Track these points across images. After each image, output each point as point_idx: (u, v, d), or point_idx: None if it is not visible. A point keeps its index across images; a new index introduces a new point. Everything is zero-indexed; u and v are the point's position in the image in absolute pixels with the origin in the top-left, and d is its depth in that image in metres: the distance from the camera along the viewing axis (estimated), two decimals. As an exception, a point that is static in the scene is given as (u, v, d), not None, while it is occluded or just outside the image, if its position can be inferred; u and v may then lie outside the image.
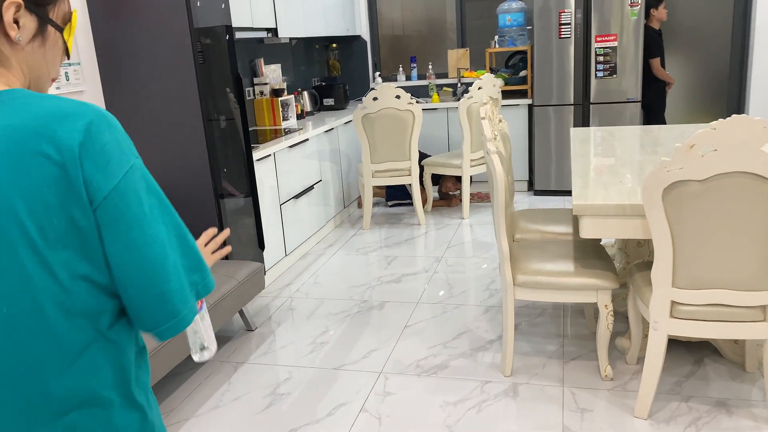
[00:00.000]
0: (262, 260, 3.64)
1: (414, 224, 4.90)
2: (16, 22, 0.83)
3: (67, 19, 0.91)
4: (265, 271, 3.71)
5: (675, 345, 2.74)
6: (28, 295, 0.79)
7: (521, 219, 3.16)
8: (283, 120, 4.82)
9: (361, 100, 6.24)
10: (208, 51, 3.20)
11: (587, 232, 2.33)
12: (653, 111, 5.34)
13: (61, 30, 0.89)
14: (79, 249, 0.80)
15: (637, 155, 2.94)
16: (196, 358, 1.17)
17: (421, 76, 6.19)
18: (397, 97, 4.56)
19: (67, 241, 0.79)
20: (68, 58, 0.93)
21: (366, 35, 6.23)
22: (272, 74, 4.83)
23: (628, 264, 3.22)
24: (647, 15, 5.06)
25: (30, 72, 0.87)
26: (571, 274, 2.47)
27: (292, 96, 4.92)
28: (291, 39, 5.20)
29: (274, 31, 4.37)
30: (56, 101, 0.80)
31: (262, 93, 4.74)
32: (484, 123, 2.47)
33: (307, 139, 4.33)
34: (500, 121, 3.26)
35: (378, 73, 6.24)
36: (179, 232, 0.87)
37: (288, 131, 4.46)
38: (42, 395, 0.81)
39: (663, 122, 5.48)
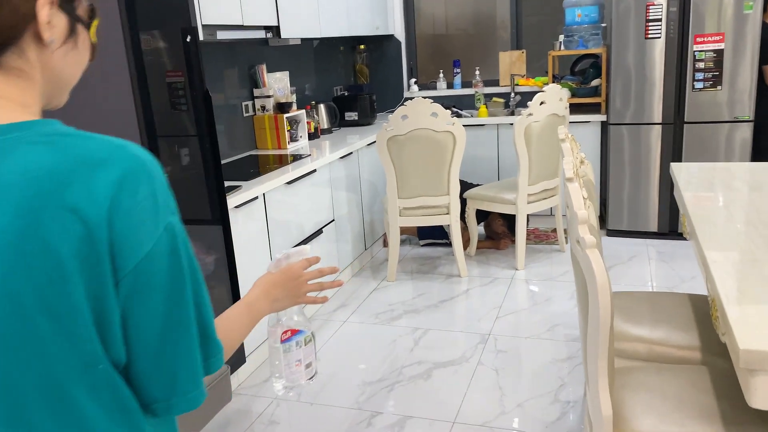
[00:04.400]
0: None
1: (453, 275, 3.85)
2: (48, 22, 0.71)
3: (91, 14, 0.78)
4: (239, 369, 2.73)
5: None
6: (48, 375, 0.67)
7: (618, 313, 2.08)
8: (291, 141, 3.84)
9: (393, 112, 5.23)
10: (161, 60, 2.24)
11: (764, 399, 1.26)
12: (764, 132, 4.16)
13: (88, 27, 0.78)
14: (95, 323, 0.68)
15: (807, 226, 1.83)
16: (275, 387, 1.16)
17: (466, 84, 5.13)
18: (434, 114, 3.52)
19: (83, 313, 0.66)
20: (93, 60, 0.81)
21: (401, 35, 5.21)
22: (277, 84, 3.85)
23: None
24: (765, 8, 3.88)
25: (55, 82, 0.76)
26: (724, 459, 1.40)
27: (303, 111, 3.94)
28: (304, 40, 4.23)
29: (275, 30, 3.40)
30: (88, 141, 0.68)
31: (263, 108, 3.77)
32: (572, 188, 1.42)
33: (315, 170, 3.34)
34: (582, 162, 2.20)
35: (414, 80, 5.21)
36: (200, 300, 0.76)
37: (297, 156, 3.48)
38: None
39: (776, 146, 4.28)
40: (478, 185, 4.26)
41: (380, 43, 5.23)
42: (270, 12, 3.29)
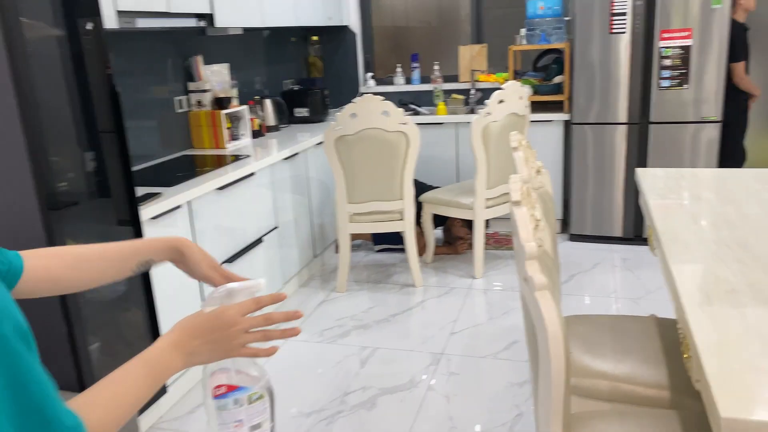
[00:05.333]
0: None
1: (408, 285, 3.60)
2: None
3: None
4: (159, 399, 2.42)
5: None
6: None
7: (573, 341, 1.85)
8: (232, 140, 3.53)
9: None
10: (56, 51, 1.92)
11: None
12: (731, 132, 3.99)
13: None
14: None
15: (787, 247, 1.62)
16: None
17: (425, 79, 4.87)
18: (385, 113, 3.25)
19: None
20: None
21: (356, 26, 4.92)
22: (215, 77, 3.53)
23: None
24: (733, 4, 3.70)
25: None
26: None
27: (246, 107, 3.63)
28: (249, 30, 3.90)
29: (209, 19, 3.08)
30: None
31: (200, 103, 3.45)
32: (519, 214, 1.17)
33: (253, 173, 3.04)
34: (539, 171, 1.96)
35: (371, 74, 4.93)
36: (24, 378, 0.59)
37: (237, 157, 3.18)
38: None
39: (742, 148, 4.13)
40: (436, 188, 4.01)
41: (335, 35, 4.93)
42: (202, -2, 2.97)
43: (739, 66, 3.85)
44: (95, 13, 2.03)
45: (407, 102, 4.60)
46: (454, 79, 4.79)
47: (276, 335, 0.87)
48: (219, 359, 0.86)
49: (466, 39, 4.83)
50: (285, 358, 2.84)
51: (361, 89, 4.95)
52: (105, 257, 0.99)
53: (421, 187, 3.97)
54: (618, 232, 4.02)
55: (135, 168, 3.01)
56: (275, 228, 3.28)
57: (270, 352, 0.88)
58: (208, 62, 3.54)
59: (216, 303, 0.88)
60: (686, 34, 3.62)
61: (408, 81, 4.90)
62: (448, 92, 4.72)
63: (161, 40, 3.24)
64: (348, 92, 4.96)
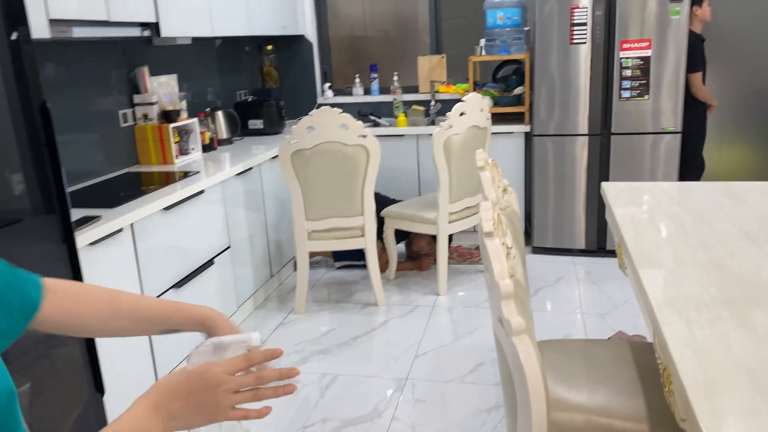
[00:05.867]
0: (100, 417, 2.16)
1: (370, 304, 3.46)
2: None
3: None
4: None
5: None
6: None
7: (549, 372, 1.74)
8: (181, 154, 3.35)
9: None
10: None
11: None
12: (689, 143, 4.00)
13: None
14: None
15: (752, 259, 1.55)
16: None
17: (384, 90, 4.76)
18: (343, 126, 3.12)
19: None
20: None
21: (312, 36, 4.78)
22: (163, 89, 3.34)
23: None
24: (691, 15, 3.71)
25: None
26: None
27: (195, 120, 3.44)
28: (198, 39, 3.73)
29: (155, 28, 2.90)
30: None
31: (146, 117, 3.25)
32: (492, 247, 1.05)
33: (203, 191, 2.86)
34: (505, 190, 1.86)
35: (328, 84, 4.79)
36: None
37: (186, 173, 3.00)
38: None
39: (701, 159, 4.15)
40: (398, 201, 3.90)
41: (290, 44, 4.78)
42: (146, 6, 2.79)
43: (697, 76, 3.87)
44: (21, 22, 1.84)
45: (367, 113, 4.48)
46: (413, 89, 4.69)
47: (268, 394, 0.78)
48: (204, 424, 0.77)
49: (425, 49, 4.75)
50: (240, 388, 2.67)
51: (319, 100, 4.81)
52: (135, 317, 0.92)
53: (382, 201, 3.85)
54: (581, 244, 3.98)
55: (75, 187, 2.80)
56: (228, 248, 3.10)
57: (262, 414, 0.78)
58: (154, 73, 3.35)
59: (202, 358, 0.78)
60: (645, 44, 3.60)
61: (367, 92, 4.79)
62: (408, 103, 4.63)
63: (103, 50, 3.04)
64: (305, 103, 4.81)
